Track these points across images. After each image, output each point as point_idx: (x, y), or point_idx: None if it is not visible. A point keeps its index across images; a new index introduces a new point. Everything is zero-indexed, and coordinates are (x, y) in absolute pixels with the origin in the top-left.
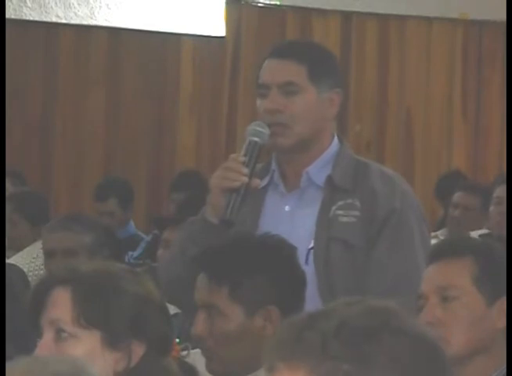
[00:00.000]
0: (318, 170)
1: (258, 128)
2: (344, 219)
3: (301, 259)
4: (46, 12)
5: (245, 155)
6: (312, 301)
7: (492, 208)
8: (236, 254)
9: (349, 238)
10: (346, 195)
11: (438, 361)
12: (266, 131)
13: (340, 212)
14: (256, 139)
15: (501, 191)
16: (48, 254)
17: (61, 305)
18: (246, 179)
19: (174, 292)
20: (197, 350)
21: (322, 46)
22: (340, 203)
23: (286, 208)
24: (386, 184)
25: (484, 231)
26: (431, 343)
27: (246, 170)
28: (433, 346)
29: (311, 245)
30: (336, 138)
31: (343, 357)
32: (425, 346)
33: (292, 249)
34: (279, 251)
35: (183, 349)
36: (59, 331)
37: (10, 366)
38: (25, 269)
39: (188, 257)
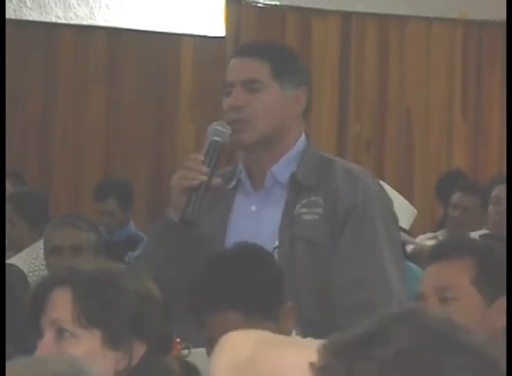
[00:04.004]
0: (282, 168)
1: (219, 128)
2: (308, 217)
3: None
4: (46, 12)
5: (205, 154)
6: None
7: (490, 208)
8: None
9: (312, 236)
10: (309, 193)
11: None
12: (227, 130)
13: (303, 210)
14: (217, 138)
15: (499, 191)
16: (54, 251)
17: (61, 305)
18: (205, 178)
19: None
20: (199, 349)
21: (285, 45)
22: (304, 201)
23: (253, 208)
24: (349, 180)
25: (483, 231)
26: (491, 358)
27: (205, 169)
28: (493, 361)
29: (276, 244)
30: (303, 136)
31: None
32: (486, 361)
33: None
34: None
35: (184, 348)
36: (59, 331)
37: (10, 366)
38: (25, 270)
39: (153, 259)
